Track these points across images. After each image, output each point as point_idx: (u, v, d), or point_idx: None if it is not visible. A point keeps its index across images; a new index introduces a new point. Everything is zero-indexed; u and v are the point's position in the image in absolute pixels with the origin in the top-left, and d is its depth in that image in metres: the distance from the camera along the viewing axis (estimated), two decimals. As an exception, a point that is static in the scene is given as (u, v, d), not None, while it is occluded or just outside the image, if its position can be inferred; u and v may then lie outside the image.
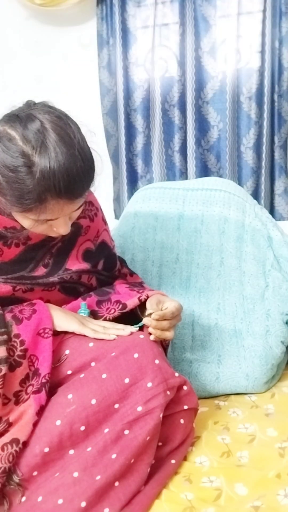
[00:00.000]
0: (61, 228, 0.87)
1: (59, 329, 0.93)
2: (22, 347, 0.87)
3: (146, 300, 1.00)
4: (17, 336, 0.87)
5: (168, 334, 0.95)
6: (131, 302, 1.01)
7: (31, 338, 0.87)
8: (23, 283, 0.96)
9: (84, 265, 1.05)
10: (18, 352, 0.86)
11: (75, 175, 0.78)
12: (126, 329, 0.94)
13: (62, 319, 0.93)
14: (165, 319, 0.94)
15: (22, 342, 0.87)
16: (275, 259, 1.33)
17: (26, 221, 0.85)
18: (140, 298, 1.01)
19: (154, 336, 0.93)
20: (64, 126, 0.79)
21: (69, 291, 1.04)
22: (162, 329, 0.94)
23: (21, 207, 0.80)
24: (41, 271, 0.99)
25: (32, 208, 0.79)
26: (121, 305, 1.01)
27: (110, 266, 1.14)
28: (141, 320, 0.97)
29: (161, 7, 1.80)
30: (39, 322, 0.90)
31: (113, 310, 1.01)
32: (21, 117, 0.79)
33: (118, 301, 1.02)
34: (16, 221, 0.92)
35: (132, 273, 1.22)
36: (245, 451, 0.95)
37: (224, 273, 1.33)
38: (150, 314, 0.94)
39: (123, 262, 1.24)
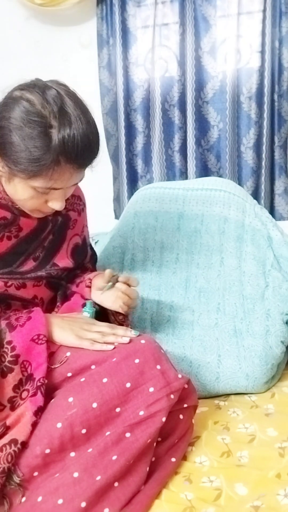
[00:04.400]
0: (57, 202, 0.90)
1: (57, 343, 0.93)
2: (13, 353, 0.86)
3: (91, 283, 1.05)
4: (9, 342, 0.87)
5: (135, 304, 1.02)
6: (86, 294, 1.05)
7: (23, 344, 0.87)
8: (14, 278, 0.97)
9: (69, 263, 1.07)
10: (8, 358, 0.86)
11: (91, 140, 0.83)
12: (124, 338, 0.93)
13: (59, 334, 0.93)
14: (131, 286, 1.01)
15: (13, 348, 0.87)
16: (275, 259, 1.33)
17: (27, 190, 0.86)
18: (87, 284, 1.05)
19: (123, 306, 0.99)
20: (77, 95, 0.86)
21: (53, 286, 1.07)
22: (130, 295, 1.00)
23: (31, 170, 0.81)
24: (29, 264, 0.99)
25: (44, 171, 0.81)
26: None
27: (81, 262, 1.17)
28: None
29: (161, 7, 1.80)
30: (32, 328, 0.90)
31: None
32: (38, 85, 0.84)
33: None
34: (6, 210, 0.93)
35: (93, 270, 1.24)
36: (245, 451, 0.95)
37: (224, 273, 1.32)
38: (115, 277, 1.00)
39: (94, 259, 1.27)
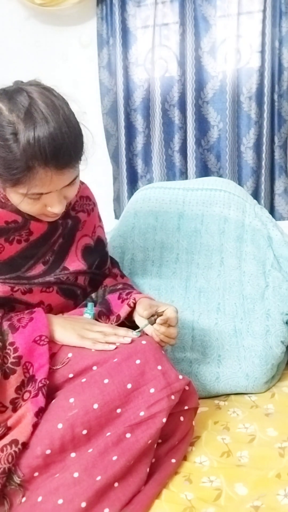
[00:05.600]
0: (55, 206, 0.87)
1: (58, 342, 0.93)
2: (16, 354, 0.87)
3: (135, 304, 1.01)
4: (12, 344, 0.87)
5: (173, 342, 0.97)
6: (123, 312, 1.02)
7: (25, 345, 0.87)
8: (21, 283, 0.96)
9: (81, 265, 1.05)
10: (11, 359, 0.86)
11: (60, 140, 0.79)
12: (126, 338, 0.93)
13: (61, 333, 0.93)
14: (170, 325, 0.95)
15: (15, 350, 0.87)
16: (275, 259, 1.33)
17: (19, 198, 0.85)
18: (129, 303, 1.01)
19: (161, 343, 0.94)
20: (50, 95, 0.82)
21: (67, 293, 1.04)
22: (170, 336, 0.95)
23: (10, 179, 0.80)
24: (38, 269, 0.98)
25: (21, 178, 0.80)
26: (115, 317, 1.02)
27: (102, 264, 1.15)
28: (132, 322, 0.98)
29: (161, 7, 1.80)
30: (34, 329, 0.90)
31: (110, 323, 1.02)
32: (8, 90, 0.82)
33: (113, 312, 1.04)
34: (17, 213, 0.93)
35: (123, 275, 1.23)
36: (245, 451, 0.95)
37: (224, 273, 1.33)
38: (154, 318, 0.95)
39: (115, 263, 1.25)
